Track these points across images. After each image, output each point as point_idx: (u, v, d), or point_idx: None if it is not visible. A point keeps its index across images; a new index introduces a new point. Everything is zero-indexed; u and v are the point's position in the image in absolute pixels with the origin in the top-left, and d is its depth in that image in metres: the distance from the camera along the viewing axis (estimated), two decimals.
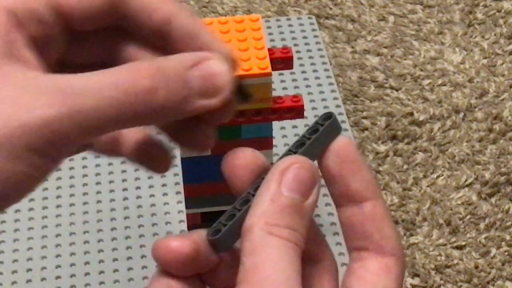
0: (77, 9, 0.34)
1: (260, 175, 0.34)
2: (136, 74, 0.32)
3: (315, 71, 0.87)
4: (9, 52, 0.32)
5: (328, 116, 0.35)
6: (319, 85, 0.85)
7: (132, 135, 0.40)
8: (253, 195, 0.33)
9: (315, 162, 0.35)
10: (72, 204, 0.75)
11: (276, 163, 0.34)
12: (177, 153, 0.65)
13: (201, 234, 0.34)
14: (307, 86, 0.85)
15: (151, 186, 0.76)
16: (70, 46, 0.36)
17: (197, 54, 0.34)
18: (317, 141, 0.35)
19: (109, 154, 0.41)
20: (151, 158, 0.40)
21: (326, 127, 0.35)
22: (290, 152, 0.35)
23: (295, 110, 0.63)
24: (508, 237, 0.72)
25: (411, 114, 0.83)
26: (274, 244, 0.32)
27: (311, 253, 0.35)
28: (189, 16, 0.35)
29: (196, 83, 0.33)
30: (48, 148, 0.31)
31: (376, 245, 0.34)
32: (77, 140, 0.32)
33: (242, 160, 0.35)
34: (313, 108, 0.82)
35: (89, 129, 0.32)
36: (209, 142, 0.37)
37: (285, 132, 0.80)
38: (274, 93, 0.63)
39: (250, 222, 0.32)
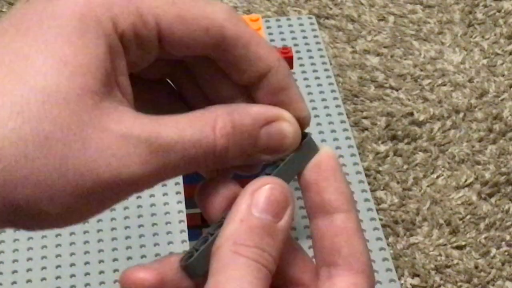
0: (181, 42, 0.33)
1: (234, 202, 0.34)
2: (215, 132, 0.33)
3: (315, 71, 0.87)
4: (109, 80, 0.32)
5: (303, 136, 0.35)
6: (319, 85, 0.85)
7: None
8: None
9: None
10: None
11: (247, 184, 0.33)
12: None
13: (171, 261, 0.33)
14: (307, 86, 0.85)
15: None
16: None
17: (272, 112, 0.34)
18: (291, 162, 0.34)
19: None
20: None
21: (301, 148, 0.35)
22: (265, 175, 0.34)
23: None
24: (508, 237, 0.72)
25: (411, 114, 0.83)
26: (239, 263, 0.31)
27: (296, 279, 0.35)
28: (285, 70, 0.35)
29: (264, 142, 0.34)
30: (125, 196, 0.32)
31: (345, 261, 0.33)
32: (150, 187, 0.33)
33: (215, 188, 0.34)
34: (313, 108, 0.82)
35: (166, 179, 0.33)
36: (256, 170, 0.36)
37: None
38: None
39: (218, 243, 0.32)
